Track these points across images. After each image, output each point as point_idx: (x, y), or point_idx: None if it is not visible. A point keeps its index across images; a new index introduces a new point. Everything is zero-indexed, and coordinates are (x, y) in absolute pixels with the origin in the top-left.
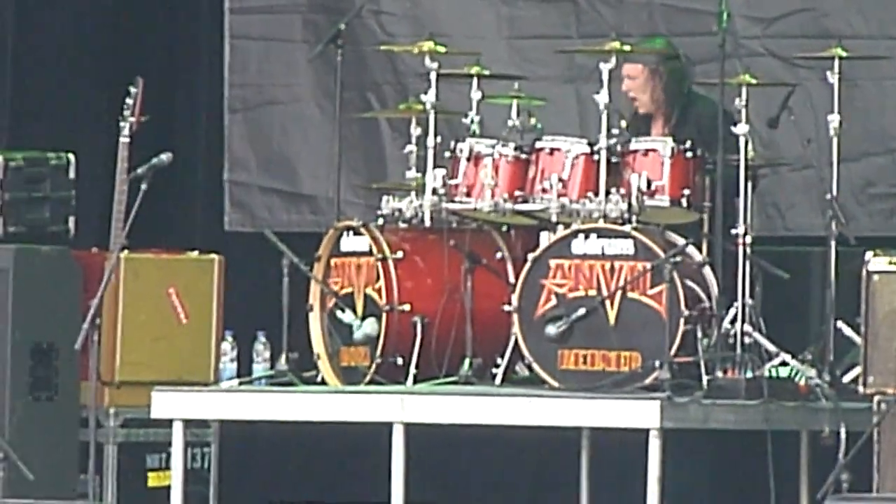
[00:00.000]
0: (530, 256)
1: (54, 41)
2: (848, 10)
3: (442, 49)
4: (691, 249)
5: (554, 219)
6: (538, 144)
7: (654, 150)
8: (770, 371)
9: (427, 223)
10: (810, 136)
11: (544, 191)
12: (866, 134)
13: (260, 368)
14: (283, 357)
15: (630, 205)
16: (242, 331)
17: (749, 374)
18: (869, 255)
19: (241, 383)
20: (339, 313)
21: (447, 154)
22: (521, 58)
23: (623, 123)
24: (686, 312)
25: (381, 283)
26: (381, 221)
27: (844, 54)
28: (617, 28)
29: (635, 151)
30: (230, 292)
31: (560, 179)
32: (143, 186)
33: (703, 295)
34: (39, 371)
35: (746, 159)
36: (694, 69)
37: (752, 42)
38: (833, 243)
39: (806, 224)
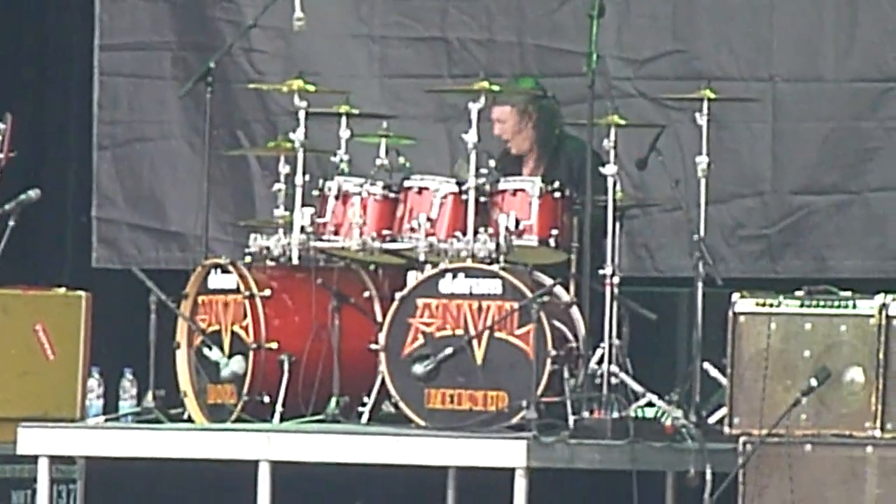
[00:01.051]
0: (398, 295)
1: None
2: (719, 53)
3: (311, 87)
4: (559, 289)
5: (422, 258)
6: (407, 183)
7: (522, 190)
8: (636, 411)
9: (295, 261)
10: (679, 177)
11: (412, 230)
12: (736, 176)
13: (126, 405)
14: (150, 394)
15: (498, 244)
16: (109, 367)
17: (615, 415)
18: (736, 296)
19: (107, 420)
20: (206, 351)
21: (316, 192)
22: (393, 97)
23: (492, 163)
24: (553, 352)
25: (249, 320)
26: (249, 259)
27: (713, 96)
28: (488, 68)
29: (504, 191)
30: (97, 329)
31: (428, 219)
32: (11, 223)
33: (570, 335)
34: None
35: (615, 200)
36: (561, 110)
37: (624, 83)
38: (700, 284)
39: (675, 265)
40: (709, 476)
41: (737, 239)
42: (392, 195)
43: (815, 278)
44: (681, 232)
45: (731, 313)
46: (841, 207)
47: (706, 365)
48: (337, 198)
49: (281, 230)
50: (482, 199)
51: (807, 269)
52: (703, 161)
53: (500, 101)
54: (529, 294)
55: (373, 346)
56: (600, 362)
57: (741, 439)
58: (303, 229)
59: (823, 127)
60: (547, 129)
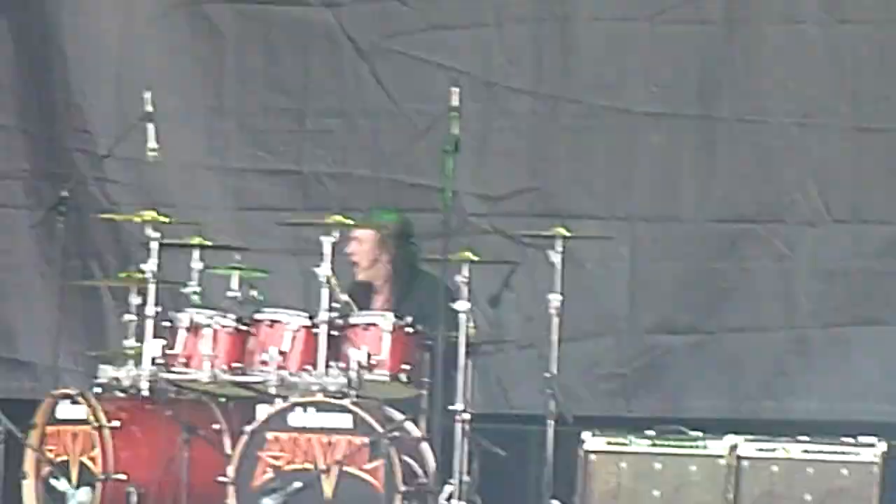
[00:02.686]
0: (247, 428)
1: None
2: (577, 191)
3: (164, 219)
4: (410, 425)
5: (273, 391)
6: (258, 316)
7: (374, 325)
8: None
9: (145, 392)
10: (531, 314)
11: (263, 363)
12: (592, 314)
13: None
14: None
15: (349, 378)
16: None
17: None
18: (586, 434)
19: None
20: (53, 481)
21: (167, 324)
22: (247, 229)
23: (345, 297)
24: (403, 488)
25: (97, 451)
26: (99, 390)
27: (567, 234)
28: (343, 201)
29: (356, 325)
30: None
31: (280, 352)
32: None
33: (420, 471)
34: None
35: (467, 336)
36: (419, 250)
37: (480, 219)
38: (551, 422)
39: (530, 402)
40: None
41: (593, 377)
42: (243, 328)
43: (669, 418)
44: (534, 369)
45: (581, 451)
46: (696, 347)
47: (555, 503)
48: (188, 329)
49: (131, 361)
50: (334, 332)
51: (661, 409)
52: (556, 299)
53: (363, 224)
54: (380, 429)
55: (221, 479)
56: (450, 499)
57: None
58: (153, 361)
59: (680, 266)
60: (402, 266)
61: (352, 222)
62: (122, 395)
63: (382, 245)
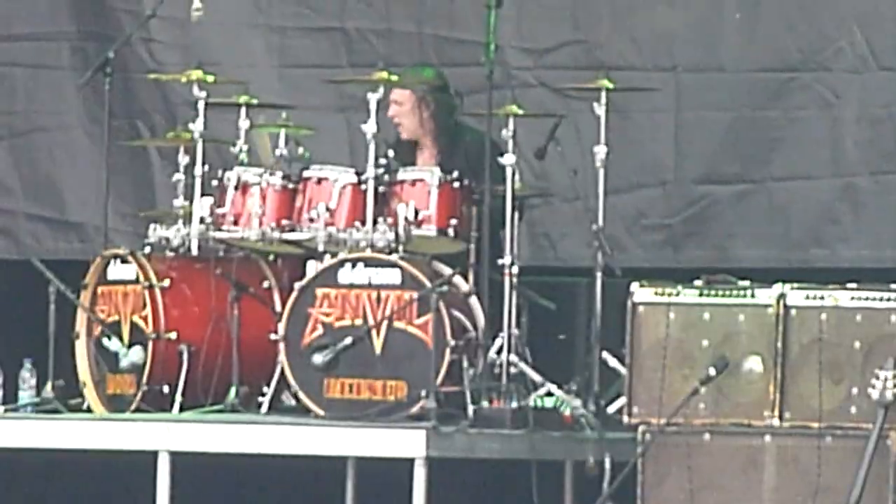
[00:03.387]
0: (297, 285)
1: None
2: (620, 42)
3: (210, 78)
4: (458, 279)
5: (321, 248)
6: (305, 174)
7: (421, 180)
8: (535, 401)
9: (194, 251)
10: (577, 167)
11: (311, 220)
12: (638, 166)
13: (26, 396)
14: (49, 384)
15: (397, 234)
16: (8, 358)
17: (515, 404)
18: (634, 286)
19: (6, 410)
20: (105, 341)
21: (215, 183)
22: (292, 87)
23: (391, 153)
24: (452, 342)
25: (148, 310)
26: (148, 249)
27: (611, 85)
28: (387, 58)
29: (403, 181)
30: None
31: (327, 209)
32: None
33: (469, 325)
34: None
35: (513, 190)
36: (462, 101)
37: (524, 73)
38: (599, 274)
39: (577, 255)
40: (608, 465)
41: (639, 229)
42: (291, 185)
43: (716, 268)
44: (582, 222)
45: (629, 303)
46: (743, 197)
47: (605, 354)
48: (236, 188)
49: (180, 220)
50: (381, 188)
51: (709, 259)
52: (601, 151)
53: (399, 84)
54: (428, 284)
55: (272, 336)
56: (499, 352)
57: (640, 428)
58: (202, 220)
59: (726, 116)
60: (444, 119)
61: (395, 78)
62: (171, 254)
63: (421, 101)
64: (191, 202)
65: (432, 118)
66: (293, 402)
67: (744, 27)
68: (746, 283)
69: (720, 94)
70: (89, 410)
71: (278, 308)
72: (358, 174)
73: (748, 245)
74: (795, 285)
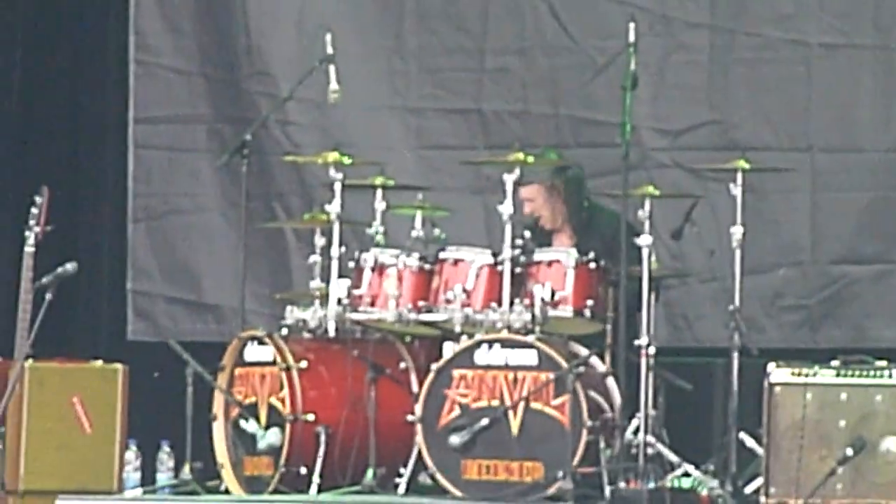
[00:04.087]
0: (434, 367)
1: None
2: (756, 123)
3: (347, 160)
4: (594, 360)
5: (458, 329)
6: (442, 255)
7: (557, 261)
8: (672, 482)
9: (331, 333)
10: (713, 247)
11: (448, 301)
12: (775, 246)
13: (164, 478)
14: (187, 466)
15: (534, 315)
16: (146, 440)
17: (652, 485)
18: (771, 366)
19: (145, 492)
20: (242, 423)
21: (351, 264)
22: (429, 168)
23: (528, 234)
24: (589, 423)
25: (285, 392)
26: (285, 331)
27: (747, 166)
28: (523, 139)
29: (539, 262)
30: (134, 401)
31: (464, 290)
32: (48, 296)
33: (605, 405)
34: None
35: (650, 271)
36: (589, 179)
37: (660, 154)
38: (735, 354)
39: (714, 335)
40: None
41: (776, 309)
42: (428, 266)
43: (854, 348)
44: (719, 302)
45: (766, 383)
46: (881, 277)
47: (742, 435)
48: (373, 269)
49: (317, 302)
50: (517, 269)
51: (846, 339)
52: (737, 231)
53: (525, 181)
54: (565, 365)
55: (409, 418)
56: (636, 432)
57: None
58: (339, 301)
59: (863, 197)
60: (576, 200)
61: (531, 160)
62: (308, 335)
63: (552, 189)
64: (327, 284)
65: (564, 202)
66: (430, 483)
67: (879, 106)
68: (883, 363)
69: (857, 174)
70: (227, 492)
71: (415, 389)
72: (494, 255)
73: (886, 325)
74: None
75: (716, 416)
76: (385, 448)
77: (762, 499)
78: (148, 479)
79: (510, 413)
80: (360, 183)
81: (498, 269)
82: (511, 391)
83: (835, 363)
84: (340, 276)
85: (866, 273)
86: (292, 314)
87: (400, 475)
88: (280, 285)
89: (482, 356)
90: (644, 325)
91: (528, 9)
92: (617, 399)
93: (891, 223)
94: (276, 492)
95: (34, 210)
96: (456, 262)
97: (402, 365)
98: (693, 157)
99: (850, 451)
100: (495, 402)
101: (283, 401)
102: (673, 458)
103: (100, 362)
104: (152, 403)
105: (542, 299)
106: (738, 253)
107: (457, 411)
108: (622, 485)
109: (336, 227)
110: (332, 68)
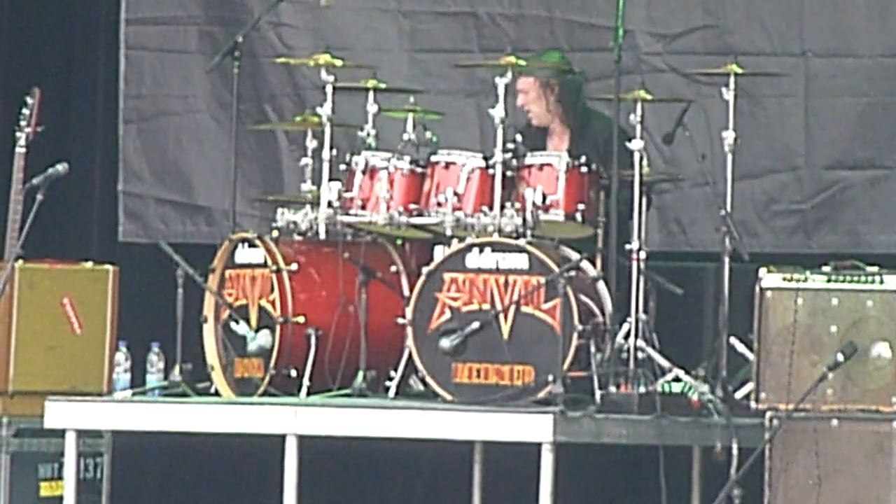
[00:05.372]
0: (425, 270)
1: None
2: (751, 27)
3: (339, 62)
4: (585, 264)
5: (449, 232)
6: (433, 158)
7: (549, 165)
8: (663, 386)
9: (322, 236)
10: (705, 152)
11: (439, 204)
12: (769, 151)
13: (153, 379)
14: (177, 368)
15: (525, 219)
16: (136, 341)
17: (642, 389)
18: (762, 271)
19: (134, 394)
20: (233, 325)
21: (343, 167)
22: (421, 71)
23: (519, 137)
24: (580, 327)
25: (276, 295)
26: (276, 234)
27: (740, 71)
28: (517, 43)
29: (531, 166)
30: (124, 303)
31: (455, 193)
32: (39, 197)
33: (596, 310)
34: None
35: (641, 175)
36: (588, 84)
37: (654, 58)
38: (727, 259)
39: (708, 240)
40: (735, 451)
41: (770, 214)
42: (419, 170)
43: (848, 253)
44: (712, 207)
45: (757, 288)
46: (876, 182)
47: (733, 340)
48: (364, 172)
49: (308, 205)
50: (509, 173)
51: (841, 245)
52: (729, 136)
53: (524, 72)
54: (556, 269)
55: (400, 321)
56: (627, 337)
57: (768, 414)
58: (330, 204)
59: (858, 102)
60: (571, 103)
61: (523, 63)
62: (299, 238)
63: (546, 86)
64: (318, 186)
65: (559, 102)
66: (421, 387)
67: (874, 11)
68: (875, 268)
69: (851, 80)
70: (217, 394)
71: (406, 292)
72: (486, 159)
73: (881, 230)
74: None
75: (707, 321)
76: (375, 351)
77: (752, 404)
78: (137, 380)
79: (501, 317)
80: (352, 85)
81: (489, 173)
82: (502, 295)
83: (826, 268)
84: (331, 178)
85: (861, 178)
86: (283, 217)
87: (390, 378)
88: (271, 188)
89: (473, 260)
90: (636, 229)
91: None
92: (608, 304)
93: (885, 128)
94: (265, 394)
95: (25, 111)
96: (447, 165)
97: (393, 268)
98: (686, 61)
99: (840, 357)
100: (486, 306)
101: (273, 303)
102: (663, 362)
103: (90, 263)
104: (142, 305)
105: (534, 203)
106: (729, 157)
107: (447, 315)
108: (612, 389)
109: (327, 130)
110: None
